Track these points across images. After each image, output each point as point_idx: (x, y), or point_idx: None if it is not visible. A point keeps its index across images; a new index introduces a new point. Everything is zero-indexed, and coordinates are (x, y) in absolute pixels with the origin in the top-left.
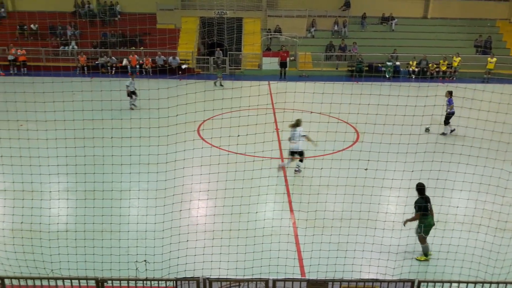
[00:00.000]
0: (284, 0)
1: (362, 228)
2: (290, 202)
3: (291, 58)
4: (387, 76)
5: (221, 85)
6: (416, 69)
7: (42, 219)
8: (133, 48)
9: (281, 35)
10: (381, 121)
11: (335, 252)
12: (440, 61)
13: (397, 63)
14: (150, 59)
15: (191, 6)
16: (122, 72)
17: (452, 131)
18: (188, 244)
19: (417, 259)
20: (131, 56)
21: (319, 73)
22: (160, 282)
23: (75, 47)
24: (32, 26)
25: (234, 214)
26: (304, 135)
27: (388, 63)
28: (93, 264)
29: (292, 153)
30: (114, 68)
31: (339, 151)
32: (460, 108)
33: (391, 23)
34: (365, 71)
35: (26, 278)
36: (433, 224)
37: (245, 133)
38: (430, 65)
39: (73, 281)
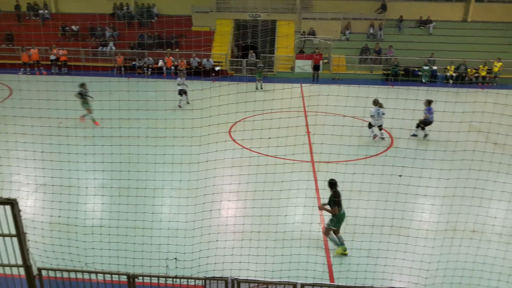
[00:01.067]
0: (319, 2)
1: (395, 235)
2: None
3: (325, 61)
4: (424, 80)
5: (261, 88)
6: (454, 74)
7: (78, 213)
8: (169, 49)
9: (315, 37)
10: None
11: (366, 258)
12: (480, 66)
13: (434, 67)
14: (185, 61)
15: (226, 9)
16: (157, 73)
17: (425, 135)
18: (218, 244)
19: (337, 253)
20: (166, 57)
21: (353, 77)
22: (189, 280)
23: (113, 48)
24: (73, 27)
25: (263, 216)
26: (384, 114)
27: (425, 67)
28: (125, 260)
29: (370, 125)
30: (150, 69)
31: (372, 156)
32: (501, 116)
33: (429, 26)
34: (401, 75)
35: (61, 270)
36: (344, 217)
37: (276, 135)
38: (469, 70)
39: (105, 275)
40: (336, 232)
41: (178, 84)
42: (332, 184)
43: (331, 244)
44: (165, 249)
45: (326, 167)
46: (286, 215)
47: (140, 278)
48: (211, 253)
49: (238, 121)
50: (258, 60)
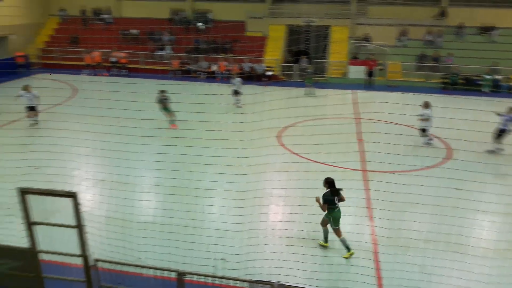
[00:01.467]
0: (374, 8)
1: (450, 252)
2: (371, 217)
3: (379, 68)
4: (485, 90)
5: (312, 93)
6: None
7: (133, 209)
8: (222, 54)
9: (369, 43)
10: (477, 139)
11: (418, 274)
12: None
13: (497, 76)
14: (238, 66)
15: (280, 14)
16: (210, 77)
17: (499, 149)
18: (265, 248)
19: (320, 244)
20: (220, 62)
21: (409, 84)
22: (236, 281)
23: (170, 51)
24: (133, 31)
25: (312, 223)
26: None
27: (487, 77)
28: (175, 257)
29: (424, 130)
30: (204, 74)
31: (428, 167)
32: None
33: (492, 33)
34: (460, 84)
35: (116, 263)
36: (340, 216)
37: (327, 142)
38: None
39: (156, 271)
40: (339, 233)
41: (233, 84)
42: (328, 182)
43: (383, 257)
44: (213, 249)
45: (379, 176)
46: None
47: (189, 276)
48: (258, 256)
49: (288, 126)
50: (308, 65)
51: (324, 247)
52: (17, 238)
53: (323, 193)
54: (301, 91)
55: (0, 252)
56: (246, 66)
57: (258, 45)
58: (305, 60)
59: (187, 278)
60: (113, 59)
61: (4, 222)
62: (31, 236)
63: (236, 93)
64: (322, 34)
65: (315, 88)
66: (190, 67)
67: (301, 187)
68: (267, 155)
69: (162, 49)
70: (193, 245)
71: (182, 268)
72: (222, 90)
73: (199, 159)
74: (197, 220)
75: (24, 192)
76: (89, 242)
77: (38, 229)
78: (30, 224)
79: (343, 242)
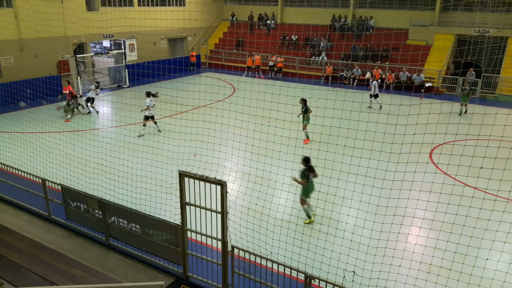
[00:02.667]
0: None
1: None
2: None
3: None
4: None
5: (465, 112)
6: None
7: (272, 205)
8: (378, 62)
9: None
10: None
11: None
12: None
13: None
14: (393, 74)
15: (449, 23)
16: (363, 84)
17: None
18: (400, 270)
19: (304, 223)
20: (375, 70)
21: None
22: None
23: (325, 58)
24: (292, 37)
25: (457, 254)
26: None
27: None
28: (304, 259)
29: None
30: (356, 80)
31: None
32: None
33: None
34: None
35: (250, 253)
36: (313, 190)
37: (489, 166)
38: None
39: (285, 268)
40: (304, 202)
41: (374, 86)
42: (306, 160)
43: None
44: (344, 259)
45: None
46: (486, 259)
47: (317, 280)
48: (391, 277)
49: (444, 144)
50: (474, 79)
51: (310, 223)
52: (171, 214)
53: (301, 170)
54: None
55: (156, 224)
56: (404, 75)
57: (419, 54)
58: (472, 73)
59: (315, 282)
60: (271, 63)
61: (163, 199)
62: (183, 214)
63: (376, 96)
64: (497, 46)
65: (471, 103)
66: (342, 73)
67: (451, 212)
68: (415, 172)
69: (318, 55)
70: (324, 251)
71: (309, 271)
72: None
73: (341, 166)
74: (331, 227)
75: (182, 175)
76: (230, 229)
77: (188, 209)
78: (183, 204)
79: (305, 210)
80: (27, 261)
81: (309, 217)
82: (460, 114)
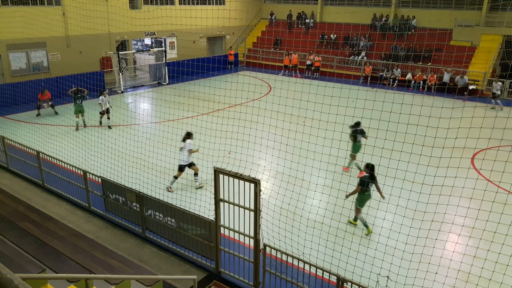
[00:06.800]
0: None
1: None
2: None
3: None
4: None
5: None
6: None
7: (305, 206)
8: (420, 63)
9: None
10: None
11: None
12: None
13: None
14: (436, 76)
15: (496, 24)
16: (402, 85)
17: None
18: (437, 277)
19: (365, 234)
20: (416, 71)
21: None
22: None
23: (364, 57)
24: (331, 35)
25: (498, 264)
26: None
27: None
28: (337, 261)
29: None
30: (396, 81)
31: None
32: None
33: None
34: None
35: (282, 252)
36: (368, 199)
37: None
38: None
39: (317, 270)
40: (359, 211)
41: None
42: (370, 167)
43: None
44: (378, 264)
45: None
46: None
47: (349, 284)
48: (427, 284)
49: (488, 149)
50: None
51: (368, 234)
52: (206, 209)
53: (362, 176)
54: (510, 110)
55: (191, 219)
56: (446, 77)
57: (463, 55)
58: None
59: (347, 285)
60: (308, 62)
61: (198, 194)
62: (217, 210)
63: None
64: None
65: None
66: (382, 74)
67: (492, 220)
68: (456, 177)
69: (357, 54)
70: (358, 254)
71: (341, 274)
72: (416, 100)
73: (378, 169)
74: (364, 229)
75: (218, 172)
76: (262, 227)
77: (222, 206)
78: (217, 200)
79: (361, 220)
80: (68, 249)
81: (366, 227)
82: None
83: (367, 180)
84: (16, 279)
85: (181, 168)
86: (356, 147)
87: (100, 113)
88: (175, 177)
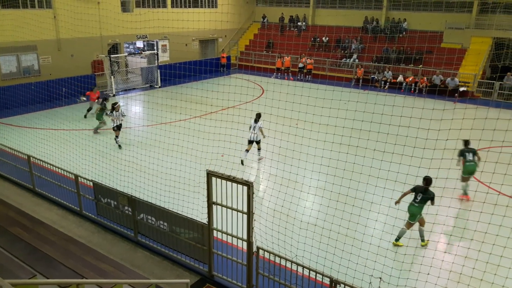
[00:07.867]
0: None
1: None
2: None
3: None
4: None
5: None
6: None
7: (298, 208)
8: (411, 65)
9: None
10: None
11: None
12: None
13: None
14: (426, 78)
15: (486, 26)
16: (393, 87)
17: None
18: (428, 278)
19: (393, 244)
20: (407, 73)
21: None
22: None
23: (356, 60)
24: (323, 38)
25: (489, 264)
26: None
27: None
28: (330, 263)
29: None
30: (387, 83)
31: None
32: None
33: None
34: None
35: (275, 255)
36: (416, 212)
37: None
38: None
39: (310, 272)
40: (411, 225)
41: None
42: (428, 180)
43: None
44: (371, 265)
45: None
46: None
47: (342, 285)
48: (419, 285)
49: (478, 150)
50: (506, 84)
51: (426, 245)
52: (198, 213)
53: (416, 186)
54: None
55: (184, 222)
56: (437, 79)
57: (454, 57)
58: (510, 78)
59: (340, 287)
60: (301, 65)
61: (190, 198)
62: (209, 213)
63: None
64: None
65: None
66: (374, 76)
67: (483, 221)
68: (446, 178)
69: (349, 57)
70: (350, 256)
71: (334, 275)
72: (407, 102)
73: (371, 171)
74: (359, 232)
75: (210, 175)
76: (255, 230)
77: (214, 208)
78: (210, 203)
79: (402, 232)
80: (59, 254)
81: (422, 240)
82: None
83: (418, 191)
84: (6, 285)
85: (251, 142)
86: (468, 168)
87: (113, 129)
88: (247, 150)
